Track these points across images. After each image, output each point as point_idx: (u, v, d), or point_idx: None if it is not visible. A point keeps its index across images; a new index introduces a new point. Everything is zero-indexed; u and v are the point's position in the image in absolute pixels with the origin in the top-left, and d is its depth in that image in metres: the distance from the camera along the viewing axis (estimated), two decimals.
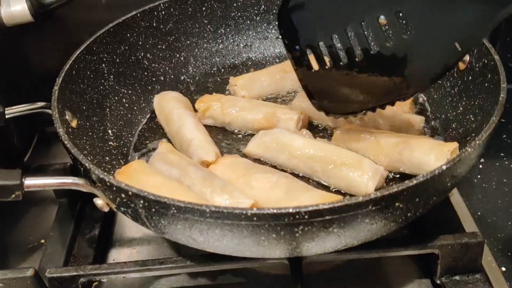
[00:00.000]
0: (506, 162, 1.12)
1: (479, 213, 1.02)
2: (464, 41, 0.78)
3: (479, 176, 1.09)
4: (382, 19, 0.84)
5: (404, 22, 0.83)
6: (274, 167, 0.99)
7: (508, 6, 0.74)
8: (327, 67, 0.90)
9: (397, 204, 0.71)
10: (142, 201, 0.72)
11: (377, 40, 0.84)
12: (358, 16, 0.85)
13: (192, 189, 0.89)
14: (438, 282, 0.87)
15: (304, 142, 0.97)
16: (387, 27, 0.84)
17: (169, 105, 1.09)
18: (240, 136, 1.10)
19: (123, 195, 0.74)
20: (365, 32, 0.85)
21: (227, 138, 1.09)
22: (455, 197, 1.04)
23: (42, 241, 1.03)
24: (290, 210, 0.67)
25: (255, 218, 0.68)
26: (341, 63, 0.88)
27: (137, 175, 0.90)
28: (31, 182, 0.78)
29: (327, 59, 0.90)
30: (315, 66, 0.91)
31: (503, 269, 0.91)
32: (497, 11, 0.75)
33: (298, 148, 0.96)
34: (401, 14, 0.82)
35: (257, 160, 1.01)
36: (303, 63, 0.91)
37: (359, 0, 0.85)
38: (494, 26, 0.76)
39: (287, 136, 0.99)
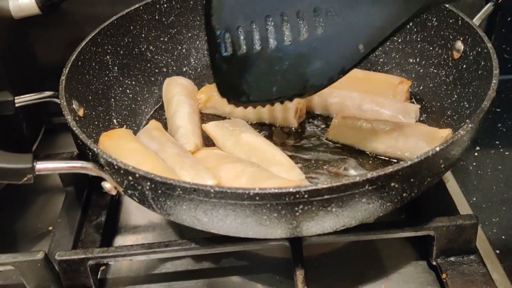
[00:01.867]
0: (501, 150, 1.14)
1: (474, 199, 1.04)
2: (368, 42, 0.82)
3: (474, 164, 1.12)
4: (301, 13, 0.86)
5: (319, 19, 0.85)
6: None
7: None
8: (240, 53, 0.91)
9: (392, 184, 0.74)
10: (148, 183, 0.74)
11: (292, 33, 0.87)
12: (279, 8, 0.87)
13: (166, 162, 0.92)
14: (434, 263, 0.89)
15: (252, 137, 1.00)
16: (304, 21, 0.86)
17: (173, 90, 1.12)
18: None
19: (130, 178, 0.76)
20: (283, 24, 0.87)
21: None
22: (451, 183, 1.07)
23: (50, 228, 1.05)
24: (291, 190, 0.69)
25: (257, 198, 0.70)
26: (254, 49, 0.90)
27: (118, 139, 0.95)
28: (42, 165, 0.79)
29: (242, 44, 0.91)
30: (229, 51, 0.92)
31: (497, 251, 0.93)
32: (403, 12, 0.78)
33: (244, 138, 1.00)
34: (318, 11, 0.84)
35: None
36: (218, 48, 0.92)
37: None
38: (398, 26, 0.79)
39: (244, 127, 1.03)
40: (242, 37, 0.90)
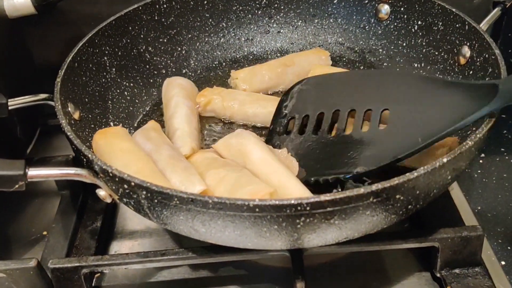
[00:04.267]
0: (507, 157, 1.13)
1: (479, 208, 1.03)
2: (426, 136, 0.83)
3: (479, 171, 1.11)
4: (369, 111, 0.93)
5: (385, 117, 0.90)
6: None
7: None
8: (300, 134, 0.98)
9: (398, 196, 0.72)
10: (144, 192, 0.73)
11: (355, 125, 0.93)
12: (350, 105, 0.95)
13: (158, 164, 0.90)
14: (438, 275, 0.88)
15: (259, 157, 0.95)
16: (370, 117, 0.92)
17: (173, 90, 1.10)
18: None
19: (125, 186, 0.74)
20: (348, 117, 0.94)
21: (226, 130, 1.09)
22: (456, 191, 1.05)
23: (44, 233, 1.04)
24: (292, 202, 0.67)
25: (257, 209, 0.68)
26: (315, 134, 0.96)
27: (112, 138, 0.92)
28: (34, 172, 0.78)
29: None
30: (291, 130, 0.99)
31: (503, 263, 0.92)
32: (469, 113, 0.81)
33: (252, 161, 0.95)
34: (386, 112, 0.91)
35: None
36: (281, 125, 1.01)
37: (359, 94, 0.96)
38: (460, 127, 0.82)
39: (249, 146, 0.97)
40: (308, 123, 0.98)
